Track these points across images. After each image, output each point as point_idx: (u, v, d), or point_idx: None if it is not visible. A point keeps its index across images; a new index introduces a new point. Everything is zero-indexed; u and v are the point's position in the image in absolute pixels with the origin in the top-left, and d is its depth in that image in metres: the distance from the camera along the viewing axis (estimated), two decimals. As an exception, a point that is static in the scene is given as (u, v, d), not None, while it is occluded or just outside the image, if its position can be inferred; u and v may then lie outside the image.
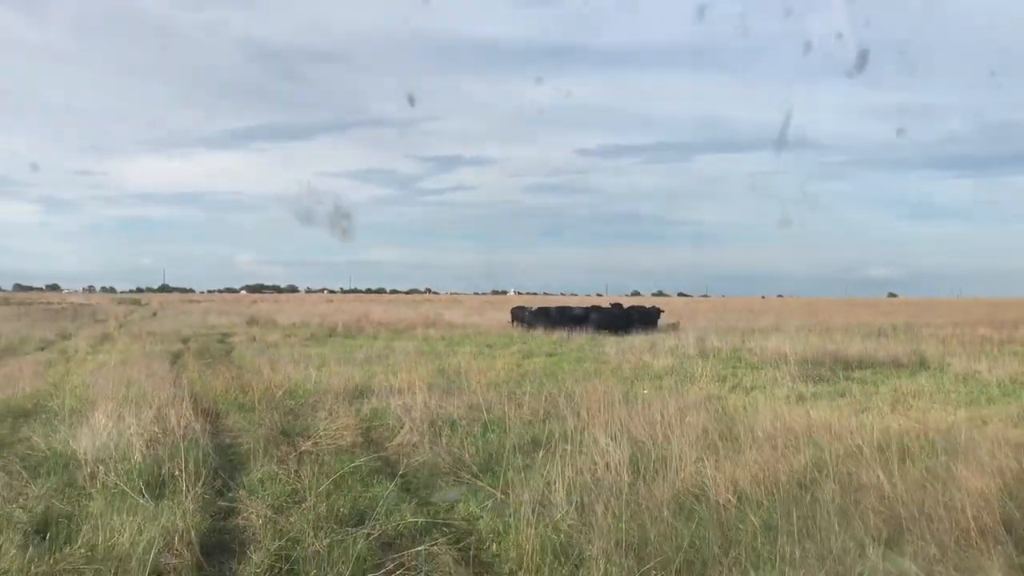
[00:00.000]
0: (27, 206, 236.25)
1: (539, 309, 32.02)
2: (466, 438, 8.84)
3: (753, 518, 5.74)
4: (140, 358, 18.71)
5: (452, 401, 11.01)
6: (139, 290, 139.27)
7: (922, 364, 19.42)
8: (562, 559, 5.25)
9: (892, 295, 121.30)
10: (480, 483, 7.07)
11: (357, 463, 7.59)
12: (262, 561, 5.36)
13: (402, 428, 9.45)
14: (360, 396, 12.15)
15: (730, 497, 6.48)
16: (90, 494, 6.67)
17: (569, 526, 5.71)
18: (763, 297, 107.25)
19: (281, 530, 5.88)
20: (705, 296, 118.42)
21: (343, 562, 5.23)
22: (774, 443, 7.95)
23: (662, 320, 32.28)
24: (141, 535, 5.48)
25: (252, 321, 38.74)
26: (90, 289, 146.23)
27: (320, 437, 8.70)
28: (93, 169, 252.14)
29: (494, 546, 5.82)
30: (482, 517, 6.37)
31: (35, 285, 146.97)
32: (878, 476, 6.67)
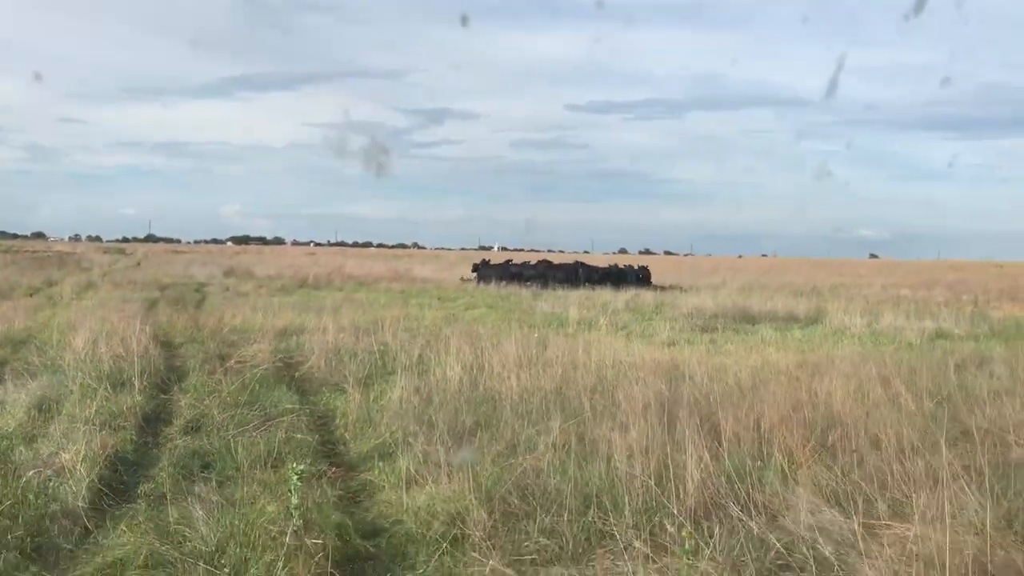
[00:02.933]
0: (11, 152, 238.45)
1: (492, 264, 35.21)
2: (357, 364, 12.15)
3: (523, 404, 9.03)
4: (119, 303, 22.00)
5: (365, 340, 14.29)
6: (125, 240, 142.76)
7: (815, 320, 22.73)
8: (367, 424, 8.60)
9: (873, 256, 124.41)
10: (349, 389, 10.38)
11: (259, 371, 10.95)
12: (180, 425, 8.71)
13: (312, 356, 12.79)
14: (292, 334, 15.48)
15: (515, 393, 9.76)
16: (71, 389, 9.96)
17: (384, 410, 9.05)
18: (740, 256, 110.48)
19: (197, 409, 9.23)
20: (689, 255, 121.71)
21: (233, 424, 8.55)
22: (575, 367, 11.26)
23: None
24: (103, 410, 8.81)
25: (230, 272, 42.04)
26: (76, 238, 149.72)
27: (244, 359, 12.03)
28: (77, 116, 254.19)
29: (337, 419, 9.19)
30: (338, 406, 9.73)
31: (21, 233, 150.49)
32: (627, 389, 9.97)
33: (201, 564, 4.78)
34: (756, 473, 6.47)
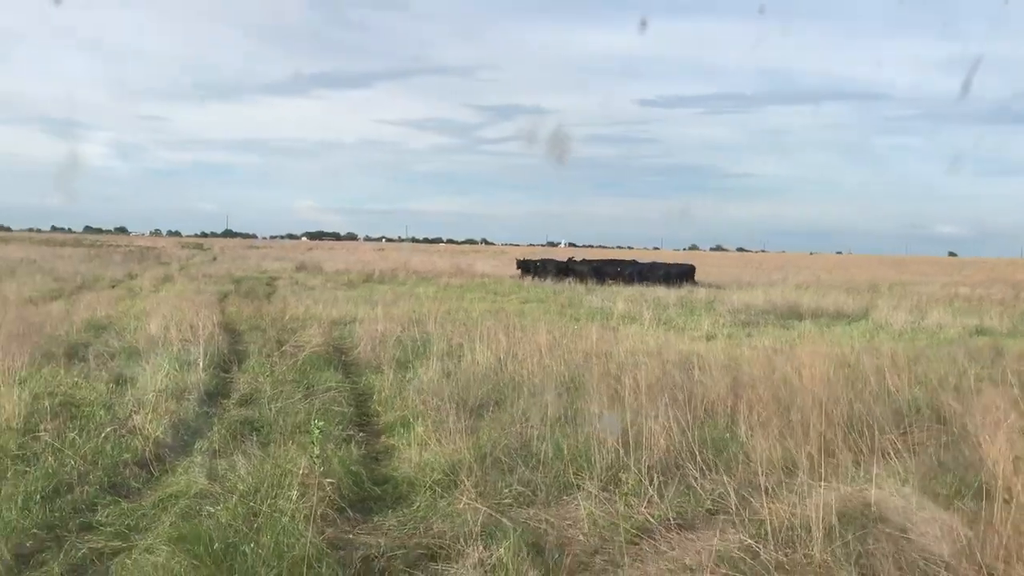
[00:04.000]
0: (96, 149, 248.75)
1: (534, 261, 36.30)
2: (399, 349, 13.44)
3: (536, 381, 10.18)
4: (193, 295, 23.82)
5: (411, 329, 15.60)
6: (203, 234, 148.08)
7: (862, 316, 23.31)
8: (397, 399, 9.86)
9: (952, 254, 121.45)
10: (386, 370, 11.66)
11: (311, 355, 12.33)
12: (236, 398, 10.11)
13: (360, 343, 14.15)
14: (347, 323, 16.90)
15: (534, 375, 10.91)
16: (144, 368, 11.45)
17: (414, 388, 10.30)
18: (811, 253, 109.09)
19: (252, 386, 10.62)
20: (762, 251, 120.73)
21: (281, 398, 9.89)
22: (597, 355, 12.35)
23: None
24: (171, 384, 10.26)
25: (301, 267, 44.11)
26: (156, 232, 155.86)
27: (298, 344, 13.44)
28: (158, 114, 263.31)
29: (373, 395, 10.49)
30: (375, 385, 11.02)
31: (105, 227, 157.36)
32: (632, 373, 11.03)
33: (236, 496, 6.06)
34: (719, 442, 7.52)
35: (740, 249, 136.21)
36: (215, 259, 55.52)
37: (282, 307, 19.78)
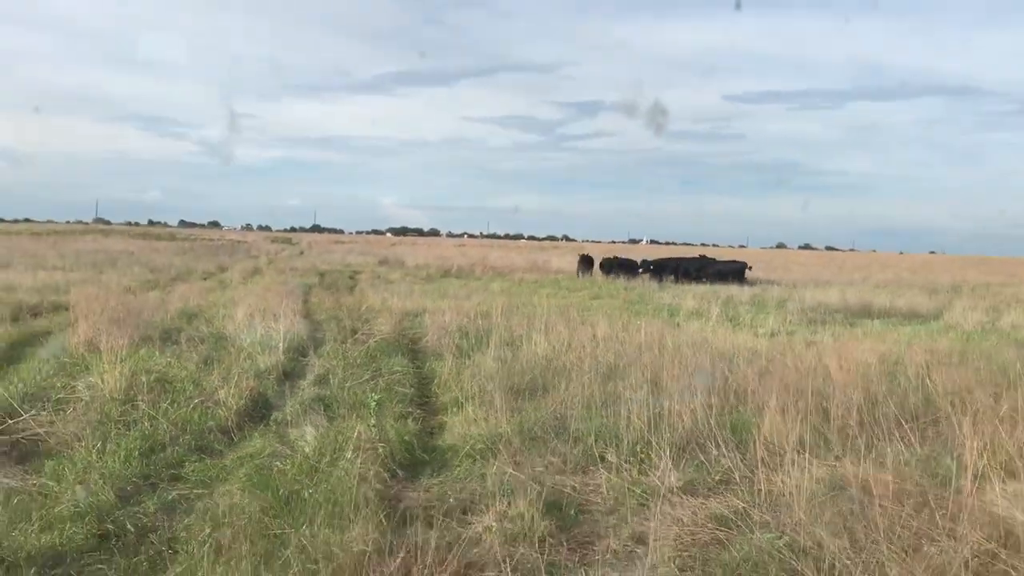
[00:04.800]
0: (190, 146, 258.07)
1: (591, 257, 36.78)
2: (464, 339, 14.40)
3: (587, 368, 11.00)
4: (280, 287, 25.28)
5: (478, 321, 16.56)
6: (292, 229, 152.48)
7: (935, 316, 23.38)
8: (455, 382, 10.79)
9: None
10: (448, 357, 12.62)
11: (382, 342, 13.38)
12: (310, 379, 11.20)
13: (428, 332, 15.17)
14: (418, 315, 17.96)
15: (583, 362, 11.72)
16: (230, 351, 12.65)
17: (479, 373, 11.22)
18: (900, 253, 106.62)
19: (326, 368, 11.70)
20: (852, 250, 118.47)
21: (351, 379, 10.93)
22: (649, 347, 13.09)
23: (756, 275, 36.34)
24: (253, 366, 11.40)
25: (383, 262, 45.71)
26: (247, 227, 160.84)
27: (370, 332, 14.53)
28: (248, 112, 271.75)
29: (435, 379, 11.47)
30: (437, 370, 11.99)
31: (198, 222, 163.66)
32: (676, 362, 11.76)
33: (301, 456, 7.07)
34: (742, 424, 8.23)
35: (829, 248, 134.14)
36: (302, 253, 57.72)
37: (360, 299, 21.00)
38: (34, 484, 6.47)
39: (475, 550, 5.38)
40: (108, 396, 9.16)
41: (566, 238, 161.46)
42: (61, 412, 8.72)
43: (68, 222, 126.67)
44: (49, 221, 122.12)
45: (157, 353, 11.97)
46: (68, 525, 5.63)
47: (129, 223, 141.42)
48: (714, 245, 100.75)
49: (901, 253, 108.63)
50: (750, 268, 35.45)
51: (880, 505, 5.88)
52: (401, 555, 4.79)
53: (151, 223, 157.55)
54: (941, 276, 41.21)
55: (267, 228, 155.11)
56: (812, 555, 5.01)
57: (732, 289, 29.38)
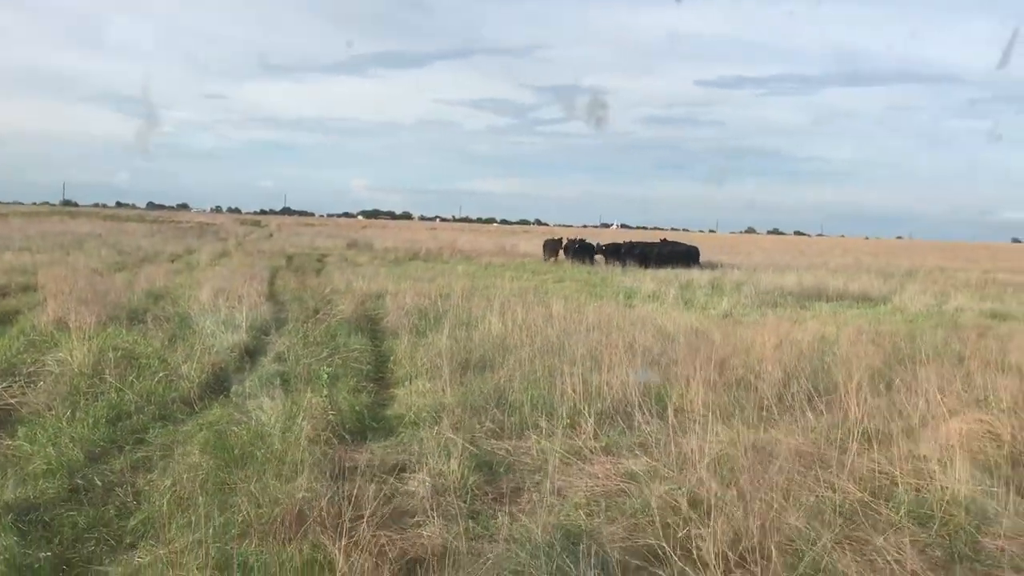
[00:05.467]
0: (161, 127, 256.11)
1: (557, 241, 37.35)
2: (421, 318, 15.07)
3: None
4: (246, 269, 25.80)
5: (439, 303, 17.23)
6: (262, 212, 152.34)
7: (884, 299, 24.33)
8: (410, 360, 11.47)
9: (1016, 240, 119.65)
10: (404, 336, 13.30)
11: (342, 322, 14.04)
12: (271, 356, 11.83)
13: (389, 313, 15.83)
14: (381, 296, 18.60)
15: (534, 341, 12.45)
16: (194, 329, 13.25)
17: (432, 350, 11.90)
18: (866, 238, 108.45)
19: (286, 346, 12.33)
20: (820, 235, 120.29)
21: (311, 356, 11.58)
22: (598, 327, 13.83)
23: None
24: (216, 343, 12.01)
25: (352, 245, 46.18)
26: (217, 209, 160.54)
27: (331, 313, 15.17)
28: (220, 93, 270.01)
29: (390, 357, 12.14)
30: (394, 348, 12.67)
31: (167, 204, 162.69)
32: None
33: (256, 423, 7.73)
34: (669, 396, 8.99)
35: (798, 232, 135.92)
36: (271, 236, 58.01)
37: (325, 281, 21.61)
38: (8, 446, 7.10)
39: (408, 500, 6.09)
40: (77, 370, 9.75)
41: (539, 222, 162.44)
42: (32, 385, 9.32)
43: (35, 204, 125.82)
44: (15, 203, 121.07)
45: (124, 331, 12.54)
46: (41, 481, 6.26)
47: (97, 205, 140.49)
48: (685, 230, 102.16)
49: (867, 238, 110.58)
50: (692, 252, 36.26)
51: (779, 464, 6.67)
52: (339, 501, 5.48)
53: (119, 205, 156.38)
54: (900, 261, 42.37)
55: (237, 211, 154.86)
56: (702, 502, 5.76)
57: (693, 273, 30.21)
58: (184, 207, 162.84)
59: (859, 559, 5.12)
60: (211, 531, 5.04)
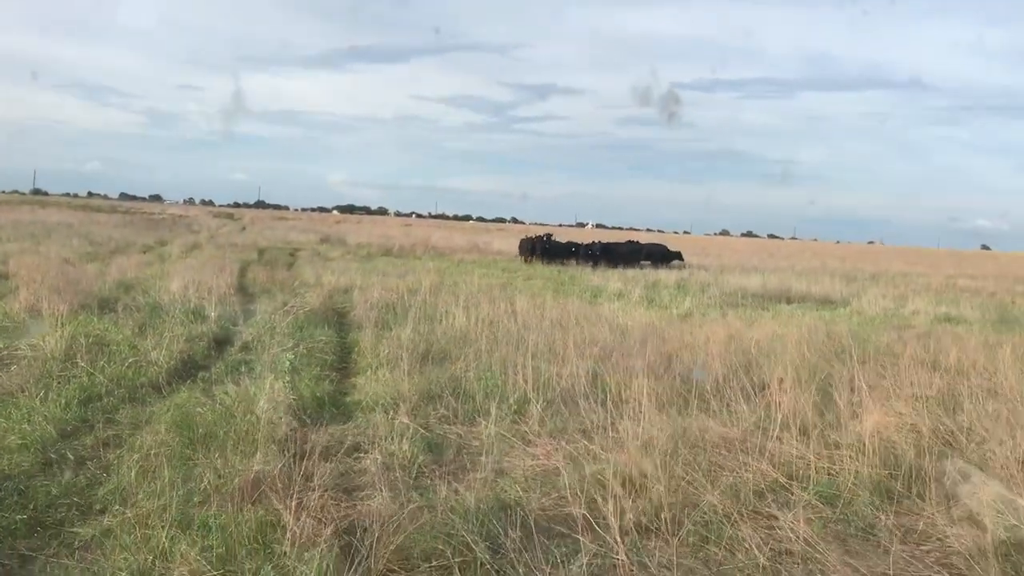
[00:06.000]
0: (133, 117, 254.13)
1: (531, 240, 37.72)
2: (388, 312, 15.58)
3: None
4: (217, 262, 26.17)
5: (405, 297, 17.74)
6: (236, 205, 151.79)
7: (845, 302, 25.09)
8: (373, 351, 11.98)
9: (985, 247, 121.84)
10: (368, 328, 13.79)
11: (308, 314, 14.52)
12: (238, 345, 12.30)
13: (356, 307, 16.33)
14: (350, 290, 19.09)
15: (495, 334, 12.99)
16: (163, 319, 13.68)
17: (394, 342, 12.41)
18: (837, 242, 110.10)
19: (253, 336, 12.80)
20: (793, 239, 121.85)
21: (277, 346, 12.05)
22: (558, 322, 14.39)
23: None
24: (185, 332, 12.46)
25: (325, 239, 46.55)
26: (190, 201, 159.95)
27: (301, 306, 15.65)
28: (195, 84, 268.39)
29: (355, 348, 12.64)
30: (359, 340, 13.17)
31: (139, 195, 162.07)
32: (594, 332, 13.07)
33: (224, 407, 8.22)
34: (615, 386, 9.56)
35: (772, 236, 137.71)
36: (244, 229, 58.20)
37: (296, 275, 22.05)
38: (-17, 424, 7.56)
39: (359, 477, 6.63)
40: (49, 355, 10.19)
41: (515, 220, 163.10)
42: (5, 368, 9.76)
43: (3, 192, 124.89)
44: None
45: (95, 319, 12.96)
46: (16, 455, 6.73)
47: (68, 195, 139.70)
48: (659, 231, 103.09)
49: (838, 242, 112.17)
50: (643, 252, 36.76)
51: (706, 448, 7.27)
52: (293, 474, 6.00)
53: (91, 195, 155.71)
54: (866, 265, 43.32)
55: (210, 203, 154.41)
56: (630, 480, 6.32)
57: (661, 273, 30.88)
58: (157, 198, 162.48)
59: (763, 531, 5.71)
60: (175, 498, 5.54)
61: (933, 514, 6.12)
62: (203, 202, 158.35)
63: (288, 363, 9.02)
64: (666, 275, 30.21)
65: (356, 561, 4.74)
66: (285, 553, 4.77)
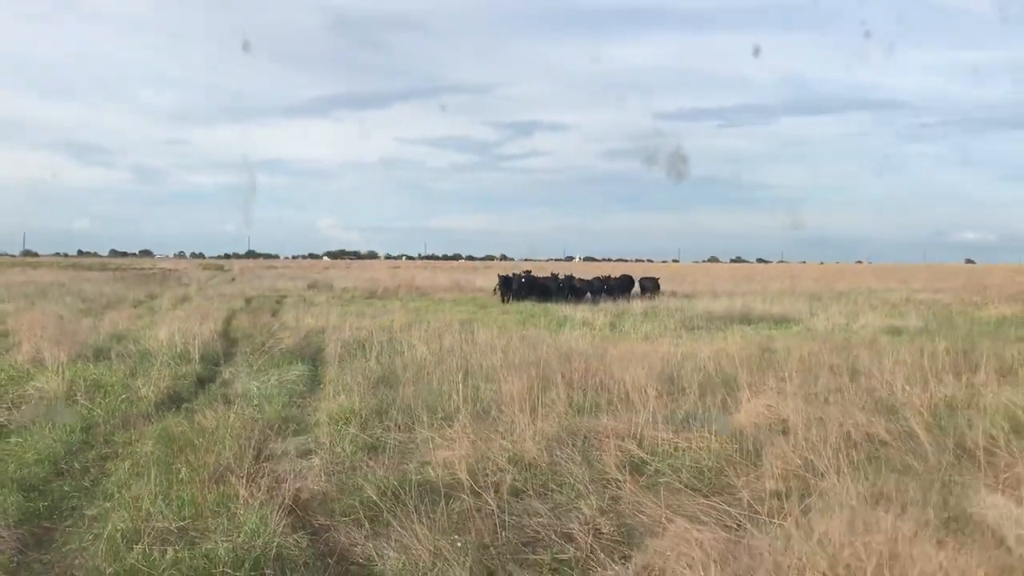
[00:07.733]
0: (120, 174, 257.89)
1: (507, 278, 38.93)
2: (358, 348, 17.43)
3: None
4: (205, 311, 28.07)
5: (377, 335, 19.61)
6: (226, 256, 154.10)
7: (800, 320, 26.97)
8: (337, 381, 13.83)
9: (969, 261, 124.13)
10: (334, 362, 15.63)
11: (284, 352, 16.39)
12: (219, 381, 14.15)
13: (328, 344, 18.21)
14: (325, 331, 20.98)
15: (437, 364, 14.83)
16: (153, 363, 15.52)
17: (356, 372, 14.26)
18: (821, 263, 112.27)
19: (233, 374, 14.66)
20: (781, 262, 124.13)
21: (255, 380, 13.89)
22: (509, 350, 16.25)
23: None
24: (171, 372, 14.32)
25: (313, 285, 48.46)
26: (180, 255, 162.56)
27: (275, 345, 17.52)
28: (180, 137, 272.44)
29: (325, 378, 14.50)
30: (326, 373, 15.02)
31: (129, 251, 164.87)
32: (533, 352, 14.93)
33: (207, 434, 10.06)
34: (545, 397, 11.42)
35: (760, 260, 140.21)
36: (233, 280, 60.16)
37: (278, 319, 23.96)
38: (6, 447, 9.42)
39: (307, 470, 8.48)
40: (53, 395, 12.07)
41: (504, 257, 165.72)
42: (17, 408, 11.63)
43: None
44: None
45: (91, 365, 14.82)
46: (34, 467, 8.59)
47: (58, 254, 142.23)
48: (648, 260, 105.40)
49: (822, 263, 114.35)
50: (606, 283, 38.15)
51: (592, 438, 9.12)
52: (251, 467, 7.85)
53: (81, 253, 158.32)
54: (839, 284, 45.28)
55: (200, 255, 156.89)
56: (520, 459, 8.17)
57: (631, 303, 32.77)
58: (147, 253, 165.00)
59: (603, 487, 7.56)
60: (159, 484, 7.40)
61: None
62: (193, 255, 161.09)
63: (255, 390, 10.84)
64: (636, 304, 32.10)
65: (291, 515, 6.60)
66: (239, 513, 6.63)
